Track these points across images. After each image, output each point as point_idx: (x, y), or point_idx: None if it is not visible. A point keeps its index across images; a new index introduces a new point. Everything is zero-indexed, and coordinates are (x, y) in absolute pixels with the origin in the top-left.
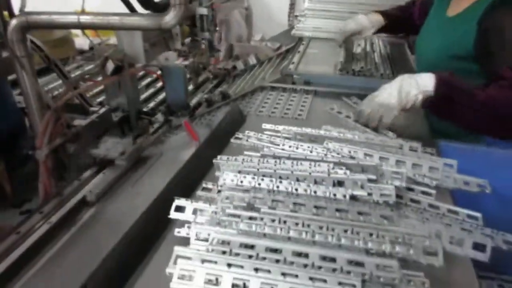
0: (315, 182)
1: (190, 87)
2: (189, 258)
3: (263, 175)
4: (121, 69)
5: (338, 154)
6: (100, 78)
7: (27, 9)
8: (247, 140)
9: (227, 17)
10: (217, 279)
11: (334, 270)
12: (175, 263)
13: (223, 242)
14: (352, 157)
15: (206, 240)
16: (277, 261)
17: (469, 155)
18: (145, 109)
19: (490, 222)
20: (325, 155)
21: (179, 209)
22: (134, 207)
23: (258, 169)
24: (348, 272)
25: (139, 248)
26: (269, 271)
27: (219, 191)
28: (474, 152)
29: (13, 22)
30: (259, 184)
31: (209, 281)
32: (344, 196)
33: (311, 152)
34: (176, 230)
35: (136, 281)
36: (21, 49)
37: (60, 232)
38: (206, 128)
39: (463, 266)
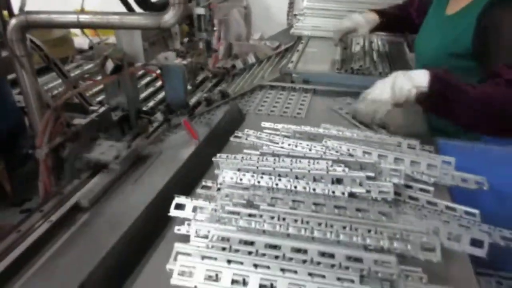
0: (314, 180)
1: (189, 87)
2: (189, 255)
3: (263, 173)
4: (120, 68)
5: (337, 152)
6: (99, 77)
7: (26, 9)
8: (246, 139)
9: (226, 16)
10: (217, 275)
11: (332, 266)
12: (175, 259)
13: (223, 239)
14: (350, 155)
15: (206, 237)
16: (276, 257)
17: (467, 152)
18: (144, 108)
19: (488, 219)
20: (324, 153)
21: (179, 207)
22: (134, 205)
23: (257, 167)
24: (347, 268)
25: (139, 246)
26: (268, 267)
27: (218, 189)
28: (472, 149)
29: (13, 21)
30: (259, 182)
31: (209, 277)
32: (343, 193)
33: (310, 150)
34: (176, 227)
35: (137, 278)
36: (21, 48)
37: (60, 231)
38: (206, 127)
39: (460, 262)
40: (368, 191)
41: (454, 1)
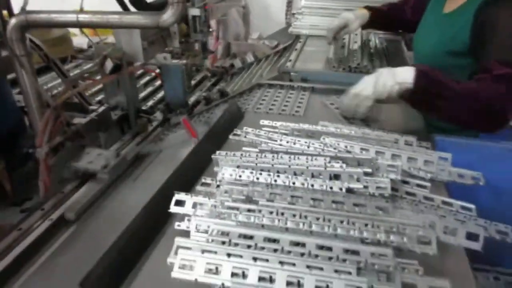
0: (312, 176)
1: None
2: (189, 249)
3: (261, 170)
4: (119, 68)
5: (334, 148)
6: (99, 77)
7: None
8: (245, 136)
9: (225, 16)
10: (217, 268)
11: (330, 258)
12: (176, 253)
13: (223, 233)
14: (348, 152)
15: (206, 232)
16: (275, 250)
17: (464, 149)
18: (144, 108)
19: (484, 214)
20: (322, 150)
21: (179, 203)
22: (134, 203)
23: (256, 164)
24: (344, 260)
25: (140, 242)
26: (267, 260)
27: (218, 186)
28: (469, 146)
29: (13, 21)
30: (257, 178)
31: (209, 270)
32: (341, 189)
33: (308, 147)
34: (176, 223)
35: (138, 272)
36: (21, 48)
37: (60, 229)
38: (205, 126)
39: (457, 256)
40: (365, 187)
41: None
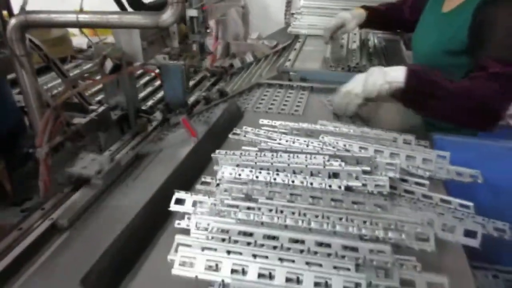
0: (311, 174)
1: None
2: (189, 246)
3: (261, 168)
4: (119, 68)
5: (333, 147)
6: (98, 77)
7: (27, 9)
8: (244, 136)
9: (224, 16)
10: (217, 265)
11: (329, 255)
12: (176, 250)
13: (222, 231)
14: (347, 150)
15: (206, 229)
16: (275, 247)
17: (462, 147)
18: (143, 108)
19: (483, 213)
20: (321, 148)
21: (179, 201)
22: (134, 201)
23: (255, 163)
24: (343, 257)
25: (140, 240)
26: (266, 257)
27: (217, 185)
28: (467, 144)
29: (12, 21)
30: (257, 176)
31: (209, 267)
32: (339, 187)
33: (307, 146)
34: (177, 222)
35: (139, 270)
36: (21, 48)
37: (61, 229)
38: (204, 125)
39: (455, 253)
40: (364, 185)
41: None
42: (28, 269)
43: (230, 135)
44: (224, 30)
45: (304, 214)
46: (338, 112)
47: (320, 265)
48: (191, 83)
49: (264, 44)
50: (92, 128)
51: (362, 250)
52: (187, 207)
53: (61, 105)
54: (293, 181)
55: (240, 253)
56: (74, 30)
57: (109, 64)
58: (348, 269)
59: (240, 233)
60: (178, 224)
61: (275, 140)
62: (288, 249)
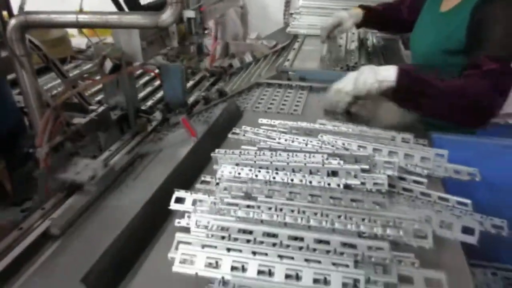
0: (310, 173)
1: None
2: (190, 244)
3: (260, 167)
4: (119, 68)
5: (332, 146)
6: (98, 77)
7: (25, 9)
8: (244, 135)
9: (223, 17)
10: (217, 262)
11: (328, 251)
12: (176, 248)
13: (222, 228)
14: (346, 149)
15: (206, 228)
16: (274, 244)
17: (461, 146)
18: (143, 108)
19: (481, 211)
20: (320, 147)
21: (179, 200)
22: (134, 201)
23: (255, 161)
24: (341, 254)
25: (140, 239)
26: (266, 254)
27: (217, 184)
28: (465, 143)
29: (12, 21)
30: (256, 175)
31: (209, 264)
32: (338, 185)
33: (306, 145)
34: (177, 220)
35: (139, 268)
36: (21, 48)
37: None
38: (204, 125)
39: (453, 250)
40: (363, 183)
41: None
42: (28, 269)
43: (229, 135)
44: (223, 30)
45: (303, 212)
46: (328, 108)
47: (319, 262)
48: (191, 83)
49: (263, 44)
50: (92, 128)
51: (360, 247)
52: (187, 206)
53: (61, 105)
54: (292, 180)
55: (240, 250)
56: (73, 31)
57: (108, 64)
58: (347, 266)
59: (240, 230)
60: (178, 222)
61: (274, 139)
62: (287, 246)
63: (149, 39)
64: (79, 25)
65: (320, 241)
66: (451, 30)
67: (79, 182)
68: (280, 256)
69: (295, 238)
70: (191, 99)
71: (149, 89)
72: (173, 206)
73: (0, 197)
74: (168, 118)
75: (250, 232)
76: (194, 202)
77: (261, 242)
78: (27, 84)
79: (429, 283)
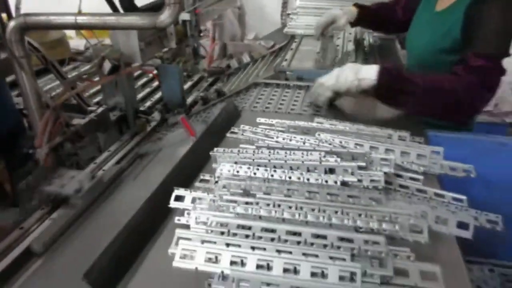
0: (308, 170)
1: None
2: (189, 239)
3: (258, 165)
4: (117, 69)
5: (329, 144)
6: (97, 78)
7: (23, 11)
8: (242, 134)
9: (220, 18)
10: (216, 257)
11: (325, 246)
12: (176, 244)
13: (222, 225)
14: (343, 147)
15: (205, 224)
16: (272, 239)
17: (457, 143)
18: (142, 108)
19: (476, 207)
20: (317, 145)
21: (179, 198)
22: (135, 199)
23: (253, 160)
24: (338, 248)
25: (141, 236)
26: (264, 249)
27: (216, 182)
28: (461, 140)
29: (12, 23)
30: (255, 173)
31: (209, 259)
32: (335, 182)
33: (304, 143)
34: (176, 218)
35: (140, 264)
36: (20, 50)
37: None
38: (202, 125)
39: (448, 245)
40: (359, 180)
41: None
42: (28, 269)
43: (228, 134)
44: (221, 31)
45: (301, 208)
46: (310, 100)
47: (317, 256)
48: (189, 84)
49: (260, 45)
50: (91, 128)
51: (357, 241)
52: (186, 204)
53: (61, 106)
54: (290, 177)
55: (239, 246)
56: (71, 33)
57: (107, 65)
58: (344, 259)
59: (239, 226)
60: (178, 220)
61: (272, 138)
62: (286, 241)
63: (147, 40)
64: (78, 27)
65: (317, 236)
66: (447, 29)
67: (64, 195)
68: (278, 251)
69: (293, 233)
70: (189, 100)
71: (147, 90)
72: (173, 204)
73: None
74: (166, 119)
75: (249, 228)
76: (193, 200)
77: (260, 237)
78: (27, 86)
79: (424, 276)
